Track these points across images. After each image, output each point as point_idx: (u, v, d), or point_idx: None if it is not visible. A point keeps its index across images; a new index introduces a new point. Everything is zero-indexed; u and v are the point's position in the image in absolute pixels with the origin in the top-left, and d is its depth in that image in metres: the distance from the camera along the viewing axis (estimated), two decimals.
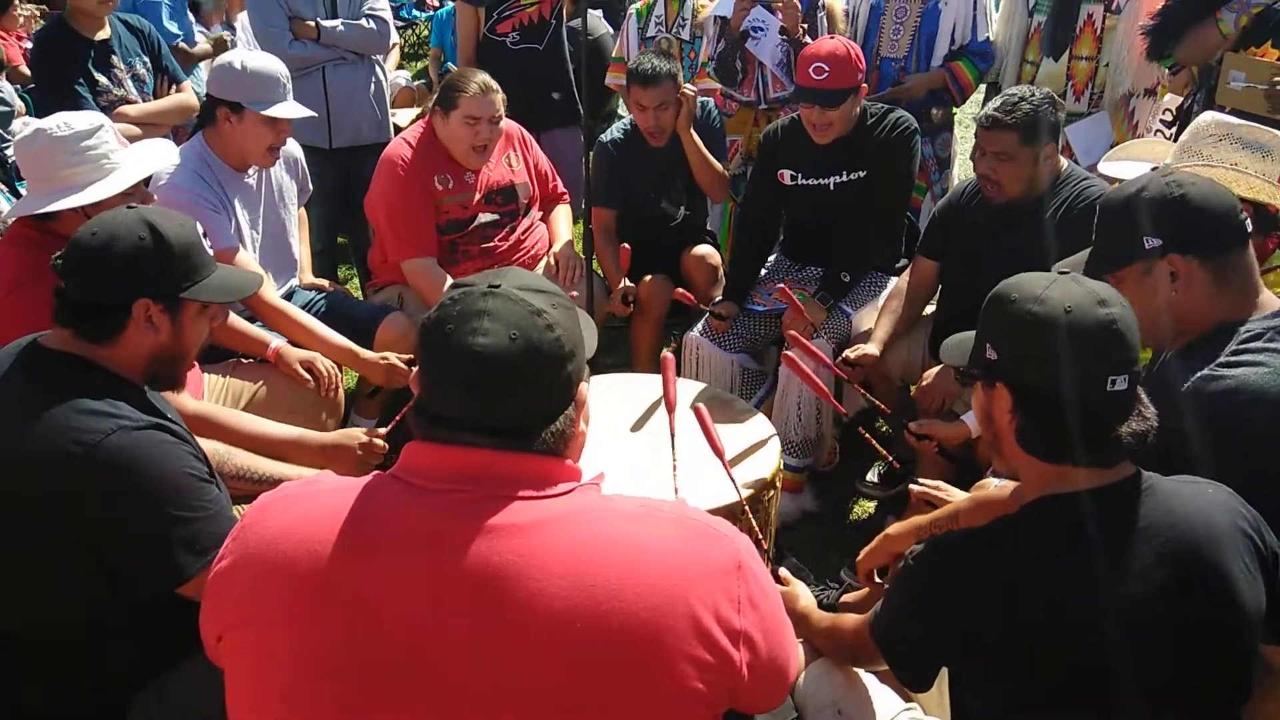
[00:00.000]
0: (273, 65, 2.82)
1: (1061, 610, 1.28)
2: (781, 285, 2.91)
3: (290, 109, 2.82)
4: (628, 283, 3.33)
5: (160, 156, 2.36)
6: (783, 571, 1.84)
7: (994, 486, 1.82)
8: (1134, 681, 1.27)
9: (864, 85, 3.03)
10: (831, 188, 3.14)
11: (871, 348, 2.85)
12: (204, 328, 1.77)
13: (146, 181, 2.33)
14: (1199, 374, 1.57)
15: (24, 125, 4.87)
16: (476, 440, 1.08)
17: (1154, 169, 1.71)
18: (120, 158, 2.22)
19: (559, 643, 1.01)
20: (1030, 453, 1.36)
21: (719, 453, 2.09)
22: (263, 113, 2.75)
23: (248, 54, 2.85)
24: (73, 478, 1.50)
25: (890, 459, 2.44)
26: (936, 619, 1.37)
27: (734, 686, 1.07)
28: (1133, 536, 1.30)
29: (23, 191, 3.10)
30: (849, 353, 2.83)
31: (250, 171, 2.92)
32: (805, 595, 1.78)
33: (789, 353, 2.48)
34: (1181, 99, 3.19)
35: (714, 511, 1.58)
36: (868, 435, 2.44)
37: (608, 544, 1.05)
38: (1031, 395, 1.33)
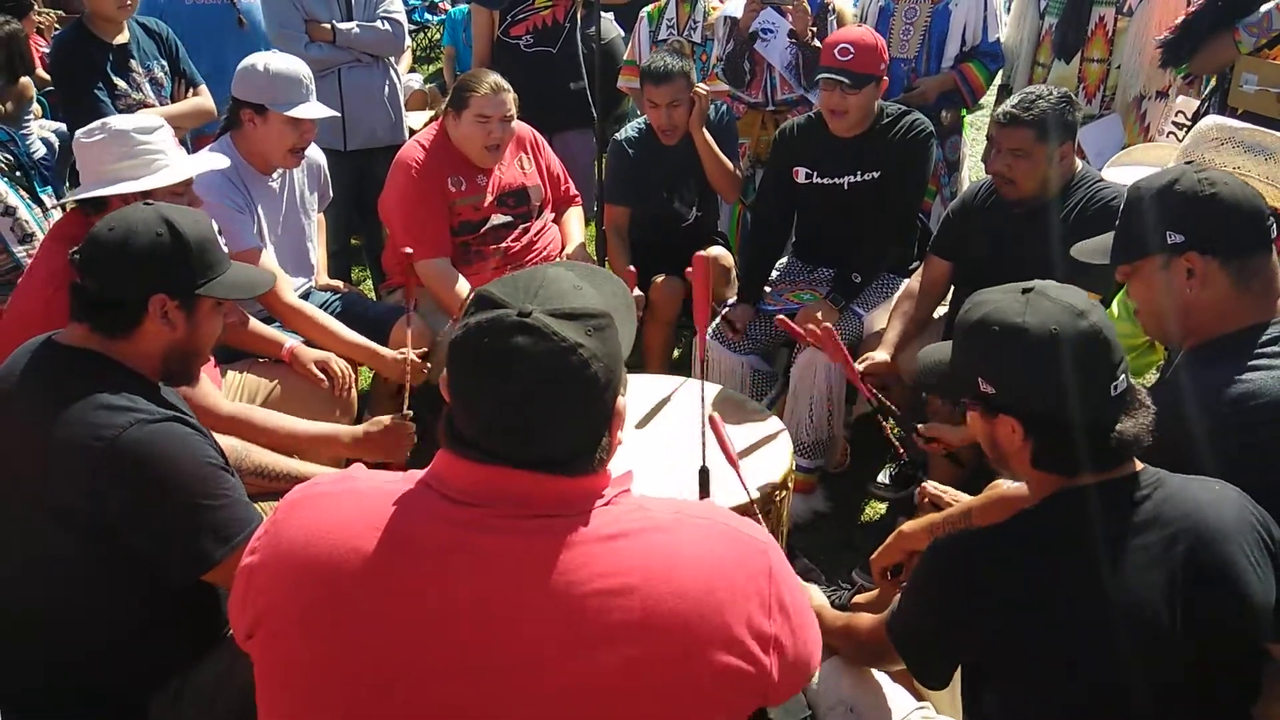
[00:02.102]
0: (295, 67, 2.86)
1: (1074, 603, 1.29)
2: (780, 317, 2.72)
3: (313, 109, 2.85)
4: (638, 292, 3.33)
5: (211, 160, 2.48)
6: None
7: (1006, 486, 1.82)
8: (1144, 676, 1.27)
9: (885, 79, 3.03)
10: (845, 187, 3.15)
11: (882, 354, 2.86)
12: (218, 324, 1.79)
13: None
14: (1216, 377, 1.57)
15: (39, 128, 4.91)
16: (514, 466, 1.07)
17: (1188, 164, 1.71)
18: (173, 158, 2.30)
19: (596, 659, 1.01)
20: (1045, 471, 1.37)
21: (732, 461, 2.08)
22: (286, 113, 2.78)
23: (271, 56, 2.88)
24: (95, 472, 1.52)
25: (901, 452, 2.42)
26: (952, 615, 1.38)
27: (765, 690, 1.08)
28: (1141, 527, 1.31)
29: (44, 198, 3.14)
30: (858, 368, 2.84)
31: (274, 175, 2.96)
32: (817, 596, 1.79)
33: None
34: (1197, 104, 3.20)
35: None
36: (886, 426, 2.42)
37: (644, 557, 1.06)
38: (1041, 421, 1.33)
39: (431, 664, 1.03)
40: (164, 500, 1.55)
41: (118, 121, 2.28)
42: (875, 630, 1.52)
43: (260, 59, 2.84)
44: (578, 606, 1.02)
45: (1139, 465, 1.37)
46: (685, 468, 2.18)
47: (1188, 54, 3.14)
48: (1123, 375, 1.32)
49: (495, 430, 1.06)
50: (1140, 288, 1.69)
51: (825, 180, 3.17)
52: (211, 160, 2.52)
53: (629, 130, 3.56)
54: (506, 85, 3.12)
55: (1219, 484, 1.39)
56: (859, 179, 3.14)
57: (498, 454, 1.06)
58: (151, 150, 2.26)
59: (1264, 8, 2.96)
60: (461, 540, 1.05)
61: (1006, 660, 1.34)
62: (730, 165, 3.46)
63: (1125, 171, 2.51)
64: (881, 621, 1.50)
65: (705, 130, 3.37)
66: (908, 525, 1.86)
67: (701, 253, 3.00)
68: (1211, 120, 2.25)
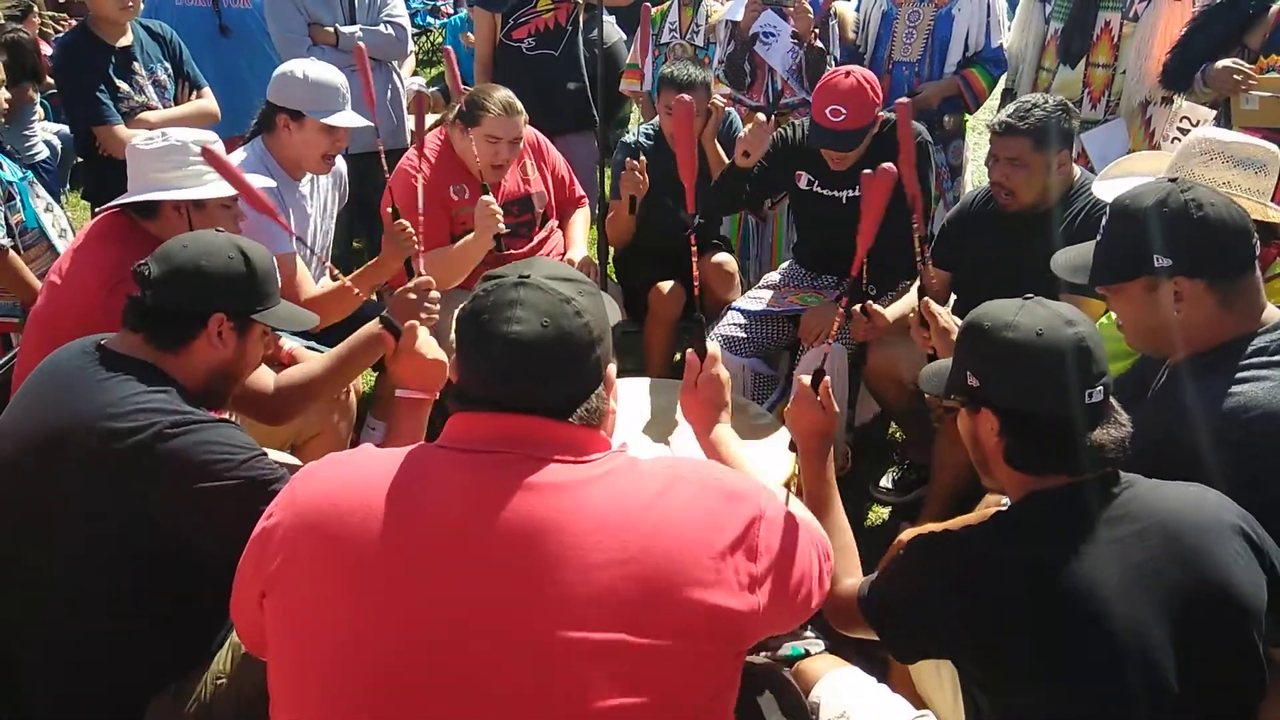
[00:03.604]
0: (333, 75, 2.87)
1: (1048, 601, 1.30)
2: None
3: (349, 118, 2.87)
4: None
5: (256, 180, 2.51)
6: (711, 348, 1.69)
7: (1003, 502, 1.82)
8: (1135, 679, 1.27)
9: (879, 115, 2.96)
10: (844, 201, 3.14)
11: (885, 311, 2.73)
12: (260, 352, 1.88)
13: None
14: (1207, 391, 1.57)
15: (42, 130, 4.92)
16: (520, 413, 1.16)
17: (1172, 180, 1.68)
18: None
19: (591, 595, 1.07)
20: (1018, 469, 1.41)
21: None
22: (322, 121, 2.80)
23: (309, 63, 2.91)
24: (142, 460, 1.55)
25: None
26: (924, 611, 1.40)
27: (755, 623, 1.14)
28: (1113, 522, 1.33)
29: (29, 204, 3.13)
30: (857, 308, 2.69)
31: (304, 181, 2.98)
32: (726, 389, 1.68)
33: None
34: (1203, 110, 3.20)
35: None
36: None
37: (639, 506, 1.13)
38: (1016, 416, 1.39)
39: (438, 607, 1.08)
40: (214, 472, 1.57)
41: (177, 133, 2.33)
42: (849, 599, 1.53)
43: (299, 65, 2.86)
44: (575, 544, 1.08)
45: (1111, 470, 1.38)
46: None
47: (1184, 84, 3.25)
48: (1101, 387, 1.36)
49: (501, 377, 1.16)
50: (1124, 307, 1.69)
51: (827, 192, 3.16)
52: (256, 180, 2.53)
53: (638, 135, 3.55)
54: (519, 106, 3.08)
55: (1196, 486, 1.41)
56: (857, 194, 3.11)
57: (504, 402, 1.16)
58: (202, 164, 2.28)
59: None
60: (463, 484, 1.13)
61: (984, 658, 1.35)
62: None
63: (1117, 184, 2.46)
64: (855, 595, 1.52)
65: (716, 141, 3.36)
66: (907, 533, 1.86)
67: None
68: (1199, 134, 2.20)
